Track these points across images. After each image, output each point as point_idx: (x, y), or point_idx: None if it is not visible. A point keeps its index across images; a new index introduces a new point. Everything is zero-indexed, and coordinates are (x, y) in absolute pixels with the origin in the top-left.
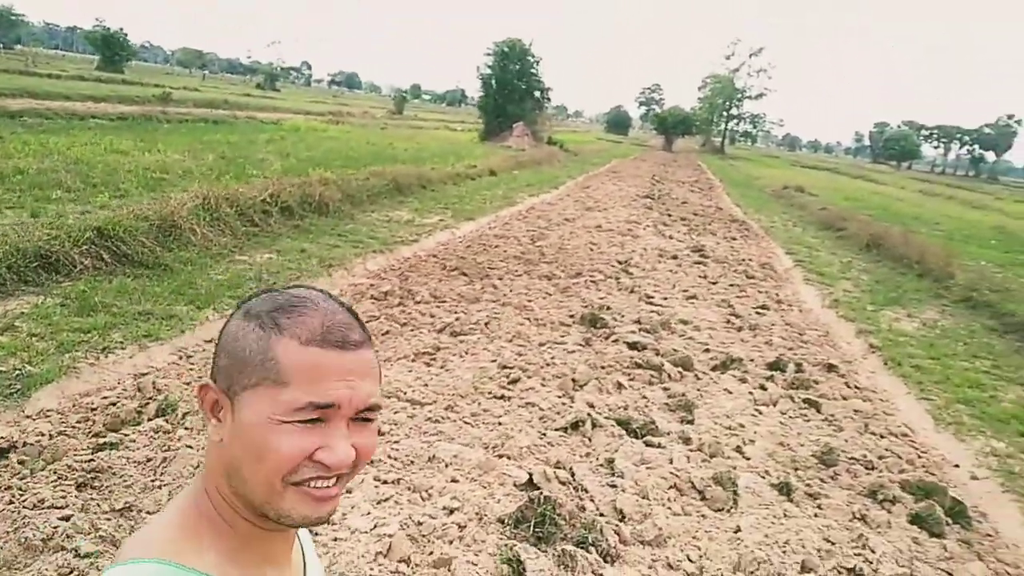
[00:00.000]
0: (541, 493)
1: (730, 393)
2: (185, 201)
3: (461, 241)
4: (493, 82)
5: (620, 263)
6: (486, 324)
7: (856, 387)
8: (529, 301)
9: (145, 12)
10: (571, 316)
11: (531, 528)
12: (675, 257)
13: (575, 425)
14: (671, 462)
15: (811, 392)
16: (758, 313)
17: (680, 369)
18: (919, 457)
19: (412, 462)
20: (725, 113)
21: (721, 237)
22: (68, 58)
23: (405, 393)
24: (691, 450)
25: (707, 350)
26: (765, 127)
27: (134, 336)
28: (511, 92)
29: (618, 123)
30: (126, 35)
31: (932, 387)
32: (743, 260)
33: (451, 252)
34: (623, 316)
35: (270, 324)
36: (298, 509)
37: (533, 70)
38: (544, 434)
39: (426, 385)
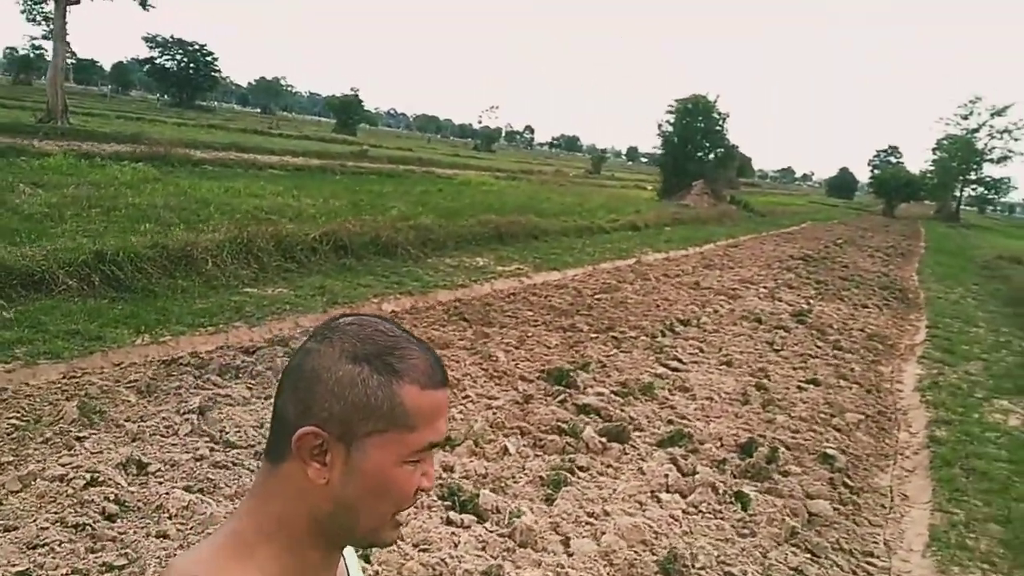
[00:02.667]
0: None
1: (642, 474)
2: (215, 235)
3: (514, 289)
4: (674, 139)
5: (678, 321)
6: None
7: (846, 486)
8: (507, 352)
9: (394, 82)
10: (541, 371)
11: None
12: (759, 321)
13: None
14: (456, 547)
15: (761, 484)
16: (799, 388)
17: (604, 441)
18: None
19: None
20: (962, 177)
21: (853, 304)
22: (312, 122)
23: None
24: (500, 535)
25: (670, 422)
26: (1007, 193)
27: (35, 352)
28: (692, 150)
29: (841, 186)
30: (360, 101)
31: (965, 500)
32: (852, 330)
33: (482, 299)
34: (609, 377)
35: (387, 370)
36: (391, 535)
37: (718, 127)
38: None
39: None
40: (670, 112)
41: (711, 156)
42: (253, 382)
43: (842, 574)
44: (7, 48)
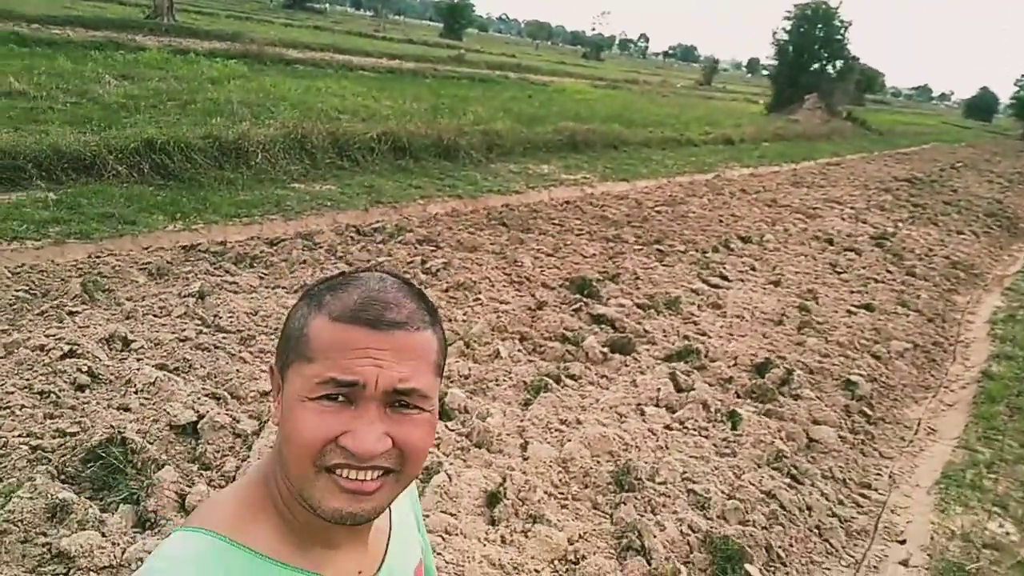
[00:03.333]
0: None
1: (634, 386)
2: (270, 129)
3: (572, 198)
4: (789, 49)
5: (738, 238)
6: (450, 270)
7: (863, 414)
8: (536, 258)
9: None
10: (567, 280)
11: None
12: (831, 242)
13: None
14: None
15: (762, 405)
16: (848, 312)
17: (607, 352)
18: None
19: None
20: None
21: (948, 230)
22: (422, 26)
23: None
24: (459, 434)
25: (686, 338)
26: None
27: (67, 232)
28: (808, 60)
29: (980, 108)
30: (469, 5)
31: (999, 439)
32: (936, 257)
33: (531, 206)
34: (638, 289)
35: (314, 303)
36: (328, 500)
37: (839, 36)
38: None
39: None
40: (787, 19)
41: (829, 68)
42: (266, 271)
43: (823, 502)
44: None
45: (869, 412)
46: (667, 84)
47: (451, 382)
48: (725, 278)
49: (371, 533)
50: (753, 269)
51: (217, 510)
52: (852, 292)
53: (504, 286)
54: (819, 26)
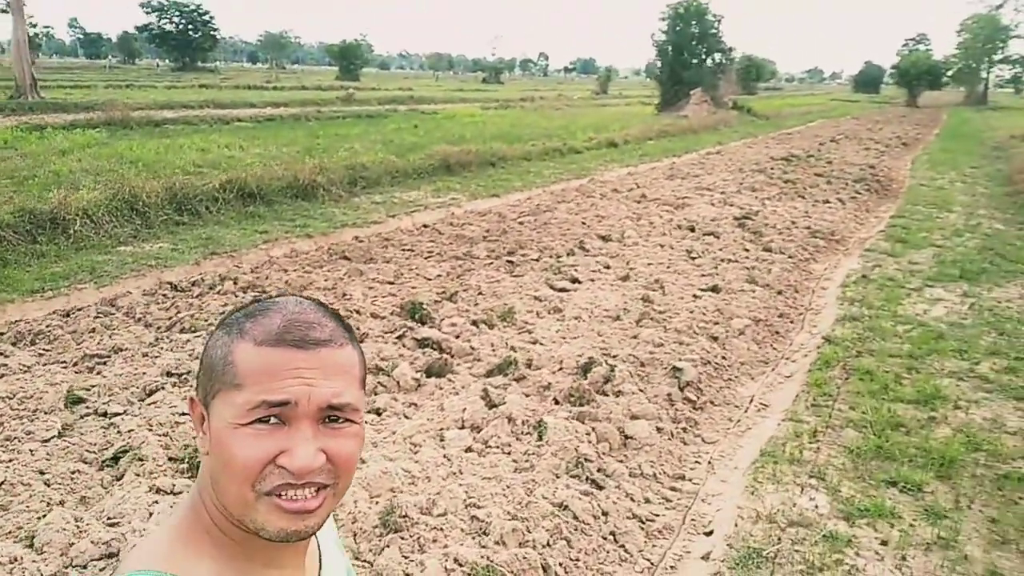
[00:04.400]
0: None
1: (441, 411)
2: (95, 193)
3: (433, 221)
4: (668, 49)
5: (598, 238)
6: None
7: (688, 401)
8: (371, 288)
9: (404, 24)
10: (397, 307)
11: None
12: (692, 229)
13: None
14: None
15: (578, 408)
16: (694, 297)
17: (419, 377)
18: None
19: None
20: (987, 59)
21: (815, 201)
22: (320, 72)
23: None
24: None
25: (512, 349)
26: None
27: None
28: (687, 57)
29: (867, 82)
30: (359, 45)
31: (827, 406)
32: (798, 229)
33: (383, 235)
34: (476, 306)
35: (235, 331)
36: (272, 521)
37: (713, 30)
38: None
39: None
40: (663, 19)
41: (708, 62)
42: (48, 347)
43: (624, 504)
44: None
45: (695, 398)
46: (563, 97)
47: None
48: (576, 280)
49: (307, 555)
50: (607, 267)
51: (153, 549)
52: (703, 276)
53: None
54: (693, 23)
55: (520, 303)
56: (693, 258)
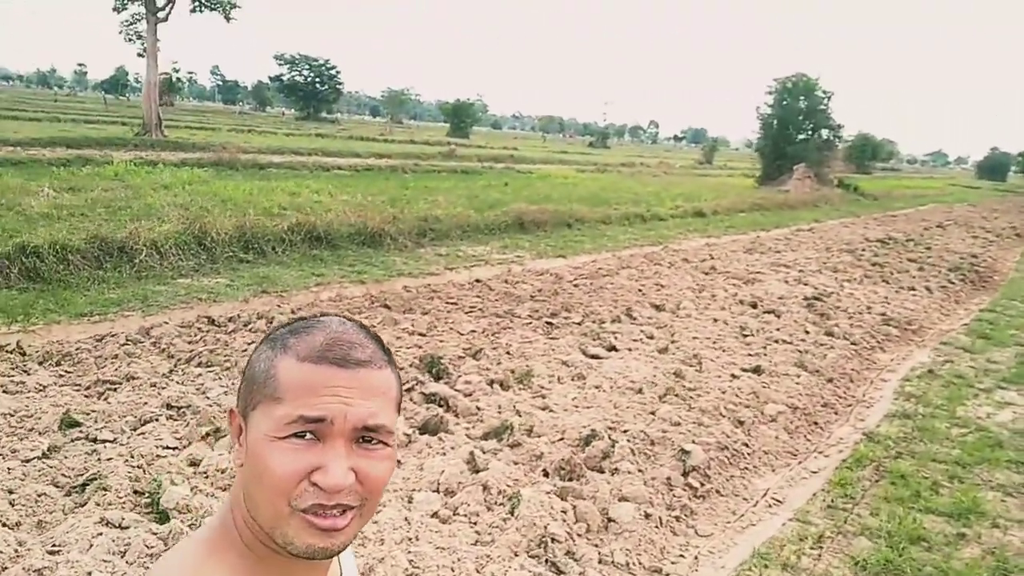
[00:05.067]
0: None
1: (420, 471)
2: (167, 226)
3: (489, 277)
4: (774, 122)
5: (652, 307)
6: None
7: (690, 487)
8: (398, 338)
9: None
10: (417, 359)
11: None
12: (754, 306)
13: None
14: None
15: (564, 483)
16: (732, 377)
17: (412, 434)
18: None
19: None
20: None
21: (899, 288)
22: (434, 128)
23: None
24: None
25: (518, 413)
26: None
27: None
28: (792, 132)
29: (992, 168)
30: (471, 104)
31: (847, 509)
32: (870, 315)
33: (432, 287)
34: (499, 364)
35: (279, 346)
36: (302, 537)
37: (822, 106)
38: None
39: None
40: (769, 93)
41: (815, 138)
42: (70, 369)
43: None
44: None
45: (697, 484)
46: (665, 164)
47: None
48: (613, 348)
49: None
50: (650, 338)
51: (180, 561)
52: (749, 355)
53: None
54: (800, 98)
55: (544, 367)
56: (745, 336)
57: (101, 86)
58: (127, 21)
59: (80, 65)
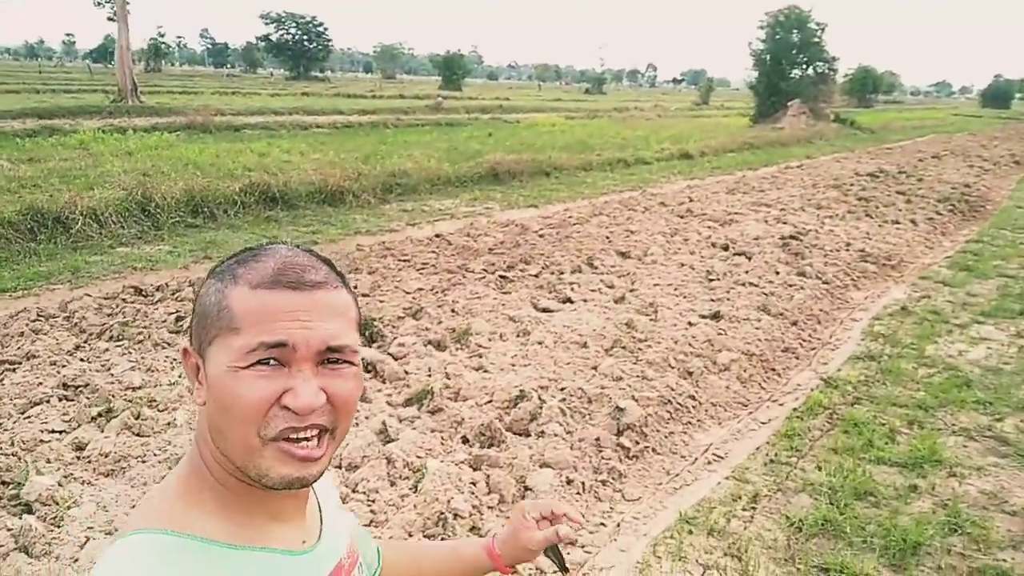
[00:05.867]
0: None
1: None
2: (109, 193)
3: (450, 231)
4: (767, 58)
5: (618, 254)
6: None
7: (622, 447)
8: None
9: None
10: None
11: None
12: (726, 248)
13: None
14: None
15: (481, 451)
16: (689, 324)
17: None
18: None
19: None
20: None
21: (884, 222)
22: (428, 82)
23: None
24: None
25: (447, 375)
26: None
27: None
28: (786, 67)
29: (995, 96)
30: (461, 56)
31: (791, 463)
32: (848, 251)
33: (387, 244)
34: (440, 324)
35: (228, 276)
36: (277, 468)
37: (816, 39)
38: None
39: None
40: (761, 28)
41: (809, 72)
42: None
43: None
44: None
45: (631, 444)
46: (659, 107)
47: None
48: (568, 300)
49: (307, 505)
50: (610, 287)
51: (154, 508)
52: (712, 300)
53: None
54: (793, 31)
55: (486, 324)
56: (711, 280)
57: (90, 55)
58: None
59: (68, 35)
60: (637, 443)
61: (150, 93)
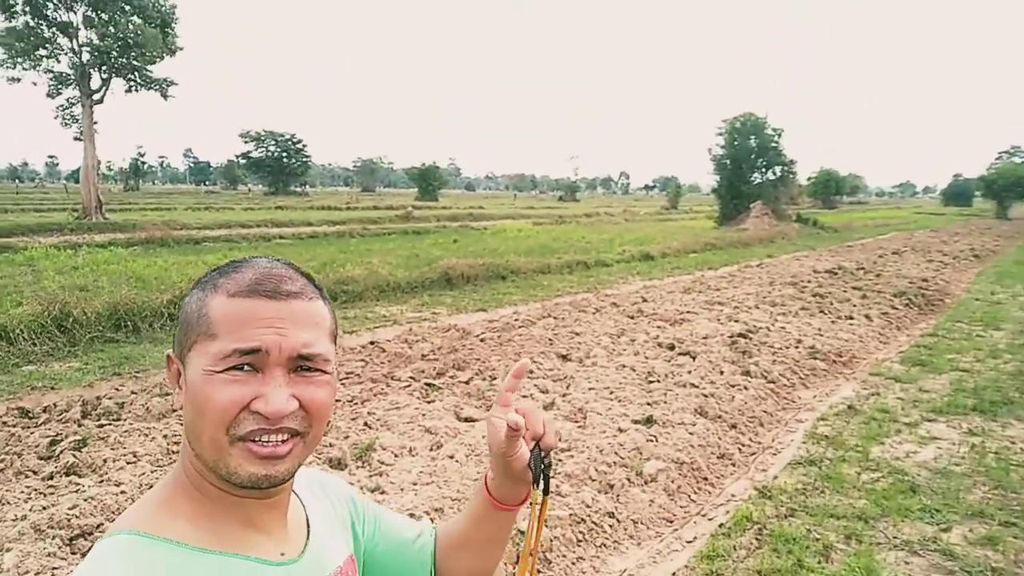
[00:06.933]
0: None
1: None
2: (29, 309)
3: (385, 338)
4: (727, 163)
5: (559, 357)
6: (85, 451)
7: None
8: None
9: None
10: None
11: None
12: (672, 347)
13: None
14: None
15: None
16: (619, 431)
17: None
18: None
19: None
20: None
21: (837, 317)
22: (402, 194)
23: None
24: None
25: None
26: None
27: None
28: (745, 171)
29: (956, 195)
30: (436, 168)
31: None
32: (797, 348)
33: None
34: (345, 439)
35: (209, 285)
36: (244, 467)
37: (773, 143)
38: None
39: None
40: (719, 134)
41: (768, 175)
42: None
43: None
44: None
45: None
46: (628, 212)
47: None
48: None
49: (290, 519)
50: (544, 392)
51: (136, 511)
52: (646, 404)
53: (156, 460)
54: (751, 137)
55: (396, 438)
56: (650, 382)
57: (72, 176)
58: (62, 106)
59: (51, 157)
60: (539, 572)
61: (122, 211)
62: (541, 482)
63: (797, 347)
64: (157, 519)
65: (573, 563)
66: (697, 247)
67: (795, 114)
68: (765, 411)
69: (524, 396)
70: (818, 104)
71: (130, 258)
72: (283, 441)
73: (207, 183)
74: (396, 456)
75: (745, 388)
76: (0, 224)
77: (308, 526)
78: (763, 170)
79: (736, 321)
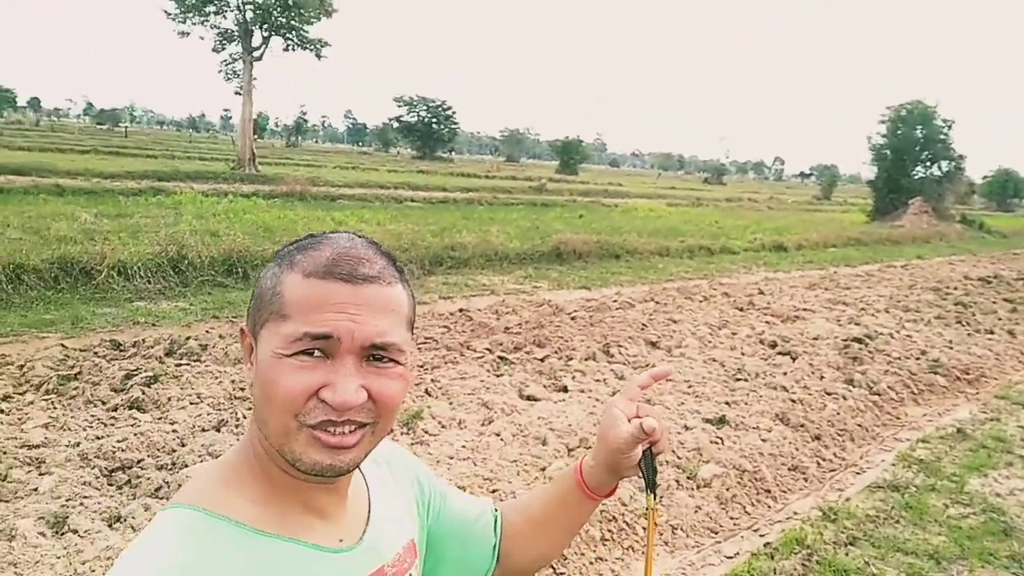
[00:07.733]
0: None
1: None
2: (144, 248)
3: (481, 308)
4: (887, 153)
5: (648, 344)
6: (156, 387)
7: None
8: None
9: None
10: None
11: None
12: (774, 346)
13: None
14: None
15: None
16: (685, 428)
17: None
18: None
19: None
20: None
21: (975, 330)
22: (544, 165)
23: None
24: None
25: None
26: None
27: None
28: (908, 164)
29: None
30: (580, 142)
31: None
32: (919, 360)
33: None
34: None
35: (286, 261)
36: (309, 453)
37: (942, 136)
38: None
39: None
40: (882, 122)
41: (933, 170)
42: None
43: None
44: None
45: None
46: (775, 199)
47: None
48: (564, 389)
49: (351, 500)
50: (620, 378)
51: (198, 485)
52: (724, 403)
53: (217, 403)
54: (917, 127)
55: (448, 408)
56: (736, 380)
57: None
58: (226, 61)
59: (226, 110)
60: (556, 571)
61: (277, 164)
62: (656, 489)
63: (918, 359)
64: (220, 495)
65: (591, 563)
66: (839, 241)
67: (971, 105)
68: (860, 425)
69: (597, 380)
70: (1000, 96)
71: (267, 209)
72: (351, 431)
73: (362, 144)
74: (443, 427)
75: (843, 398)
76: (162, 169)
77: (369, 508)
78: (927, 164)
79: (857, 324)
